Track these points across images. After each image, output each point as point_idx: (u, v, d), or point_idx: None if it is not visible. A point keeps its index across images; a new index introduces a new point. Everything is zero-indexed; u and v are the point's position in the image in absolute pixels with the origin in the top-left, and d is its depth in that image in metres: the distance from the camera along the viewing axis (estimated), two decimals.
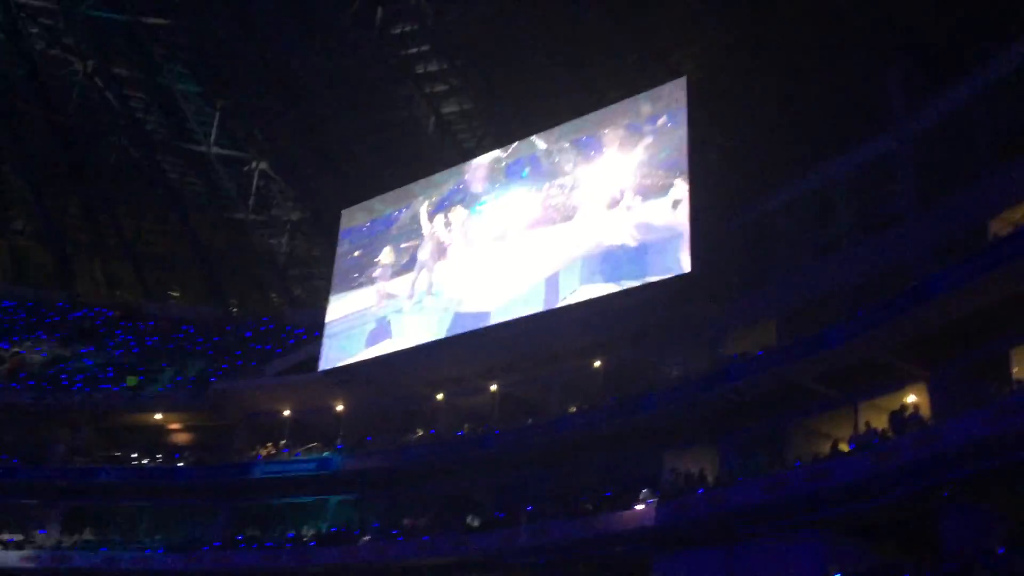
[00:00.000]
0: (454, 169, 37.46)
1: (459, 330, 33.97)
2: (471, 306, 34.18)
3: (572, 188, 33.34)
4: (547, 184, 34.18)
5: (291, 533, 35.14)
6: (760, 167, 32.09)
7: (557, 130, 34.62)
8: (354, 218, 39.80)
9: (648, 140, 31.66)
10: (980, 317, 21.81)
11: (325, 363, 37.00)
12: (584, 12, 34.22)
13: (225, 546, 35.08)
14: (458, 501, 33.76)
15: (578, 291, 31.26)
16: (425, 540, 31.57)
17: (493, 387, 34.49)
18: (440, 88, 39.47)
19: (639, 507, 27.35)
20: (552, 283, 32.15)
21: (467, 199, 36.46)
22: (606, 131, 33.22)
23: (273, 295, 49.01)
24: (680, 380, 28.84)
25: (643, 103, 32.45)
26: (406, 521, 33.46)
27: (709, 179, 30.89)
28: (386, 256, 37.61)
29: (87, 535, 36.75)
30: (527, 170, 35.10)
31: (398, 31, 38.16)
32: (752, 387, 26.34)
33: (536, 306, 32.15)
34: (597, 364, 32.17)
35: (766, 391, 26.20)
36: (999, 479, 19.74)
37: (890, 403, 24.16)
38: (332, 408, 37.97)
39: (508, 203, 35.07)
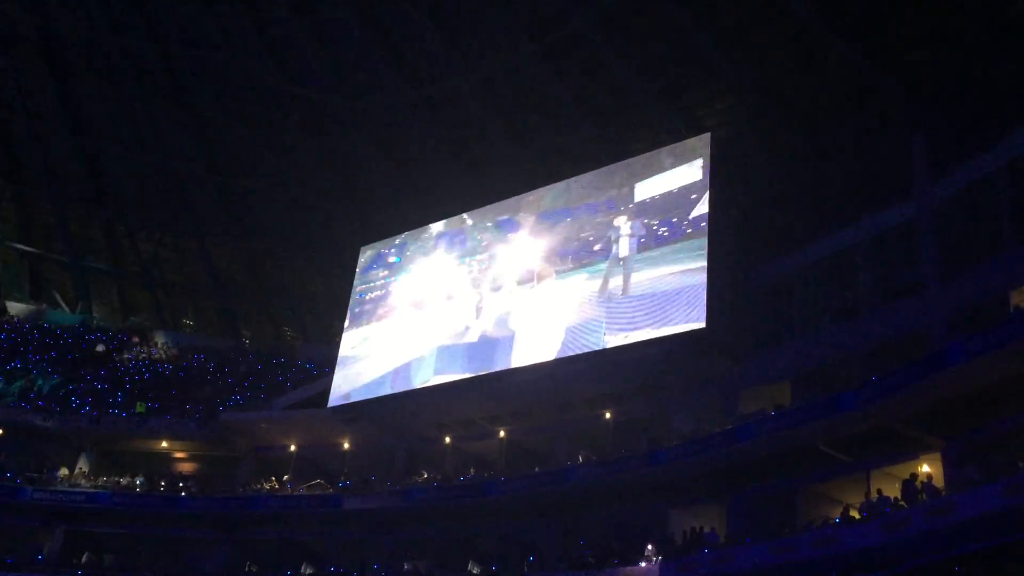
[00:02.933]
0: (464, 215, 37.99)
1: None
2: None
3: (594, 236, 33.52)
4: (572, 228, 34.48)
5: (291, 570, 34.80)
6: (781, 227, 32.12)
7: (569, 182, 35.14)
8: (366, 257, 40.23)
9: (667, 192, 31.78)
10: (998, 389, 21.59)
11: (334, 399, 36.95)
12: (612, 66, 34.47)
13: None
14: (461, 547, 33.44)
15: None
16: None
17: (501, 433, 34.33)
18: (465, 132, 39.73)
19: (643, 564, 27.01)
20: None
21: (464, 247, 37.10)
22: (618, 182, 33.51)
23: (286, 328, 49.11)
24: (691, 436, 28.57)
25: (666, 157, 32.62)
26: (407, 564, 33.12)
27: (729, 236, 30.92)
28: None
29: (85, 560, 36.49)
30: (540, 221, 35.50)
31: (424, 73, 38.55)
32: (764, 447, 26.10)
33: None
34: (608, 415, 31.99)
35: (778, 452, 25.95)
36: (1013, 555, 19.38)
37: (903, 471, 23.91)
38: (339, 445, 37.87)
39: (511, 249, 35.43)
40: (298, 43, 39.98)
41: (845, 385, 24.99)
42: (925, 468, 23.67)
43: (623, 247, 31.70)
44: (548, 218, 34.74)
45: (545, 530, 31.78)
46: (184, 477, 39.60)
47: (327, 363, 39.32)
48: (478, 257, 36.16)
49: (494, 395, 33.32)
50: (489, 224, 36.58)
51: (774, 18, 30.73)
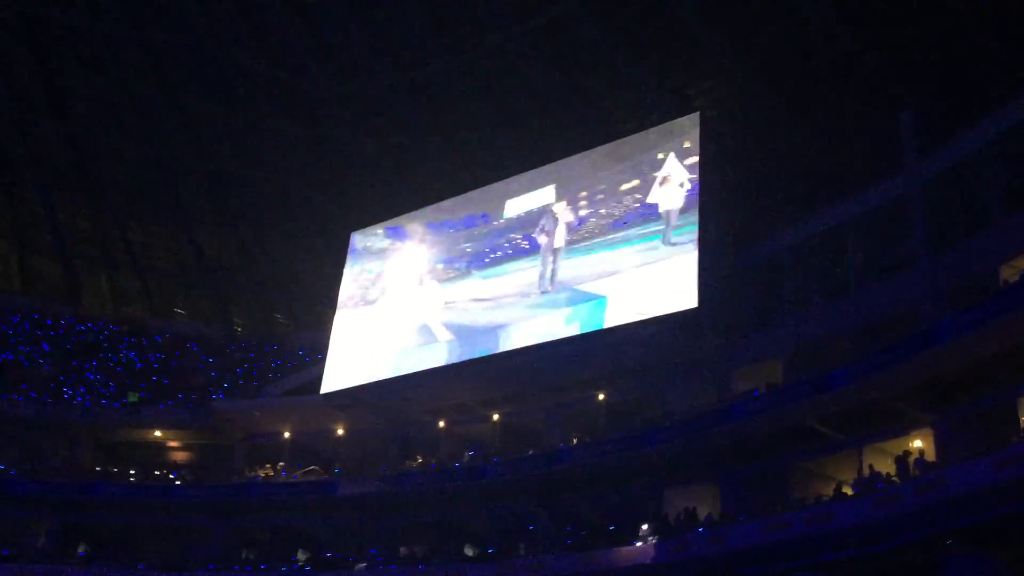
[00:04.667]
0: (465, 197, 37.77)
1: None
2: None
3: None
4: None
5: (286, 557, 34.84)
6: (771, 206, 32.10)
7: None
8: (360, 242, 40.07)
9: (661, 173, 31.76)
10: (988, 364, 21.67)
11: (327, 386, 36.89)
12: (600, 47, 34.29)
13: (219, 567, 34.82)
14: (456, 530, 33.57)
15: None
16: (421, 568, 31.34)
17: (495, 416, 34.35)
18: (452, 116, 39.51)
19: (638, 543, 27.14)
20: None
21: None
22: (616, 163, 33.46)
23: (278, 315, 48.95)
24: (684, 416, 28.64)
25: (655, 136, 32.55)
26: (403, 548, 33.22)
27: (719, 215, 30.89)
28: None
29: (80, 550, 36.47)
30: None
31: (410, 57, 38.30)
32: (756, 425, 26.16)
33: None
34: (601, 397, 32.02)
35: (770, 430, 26.02)
36: (1004, 528, 19.51)
37: (895, 447, 24.02)
38: (332, 432, 37.86)
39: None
40: (283, 28, 39.69)
41: (837, 362, 25.04)
42: (917, 443, 23.75)
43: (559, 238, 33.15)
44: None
45: (539, 512, 31.85)
46: (178, 466, 39.61)
47: (319, 349, 39.24)
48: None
49: (487, 379, 33.33)
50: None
51: None
